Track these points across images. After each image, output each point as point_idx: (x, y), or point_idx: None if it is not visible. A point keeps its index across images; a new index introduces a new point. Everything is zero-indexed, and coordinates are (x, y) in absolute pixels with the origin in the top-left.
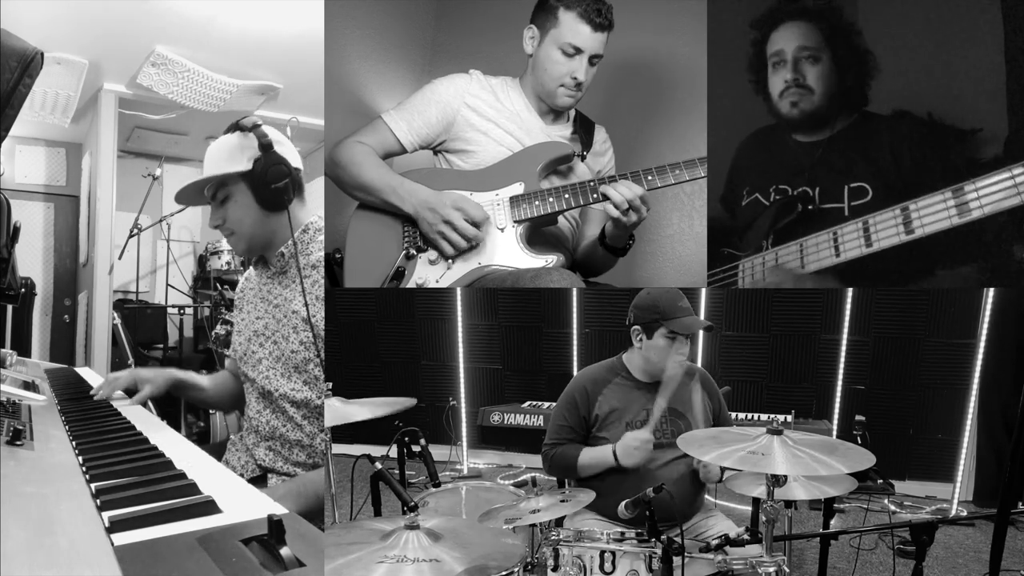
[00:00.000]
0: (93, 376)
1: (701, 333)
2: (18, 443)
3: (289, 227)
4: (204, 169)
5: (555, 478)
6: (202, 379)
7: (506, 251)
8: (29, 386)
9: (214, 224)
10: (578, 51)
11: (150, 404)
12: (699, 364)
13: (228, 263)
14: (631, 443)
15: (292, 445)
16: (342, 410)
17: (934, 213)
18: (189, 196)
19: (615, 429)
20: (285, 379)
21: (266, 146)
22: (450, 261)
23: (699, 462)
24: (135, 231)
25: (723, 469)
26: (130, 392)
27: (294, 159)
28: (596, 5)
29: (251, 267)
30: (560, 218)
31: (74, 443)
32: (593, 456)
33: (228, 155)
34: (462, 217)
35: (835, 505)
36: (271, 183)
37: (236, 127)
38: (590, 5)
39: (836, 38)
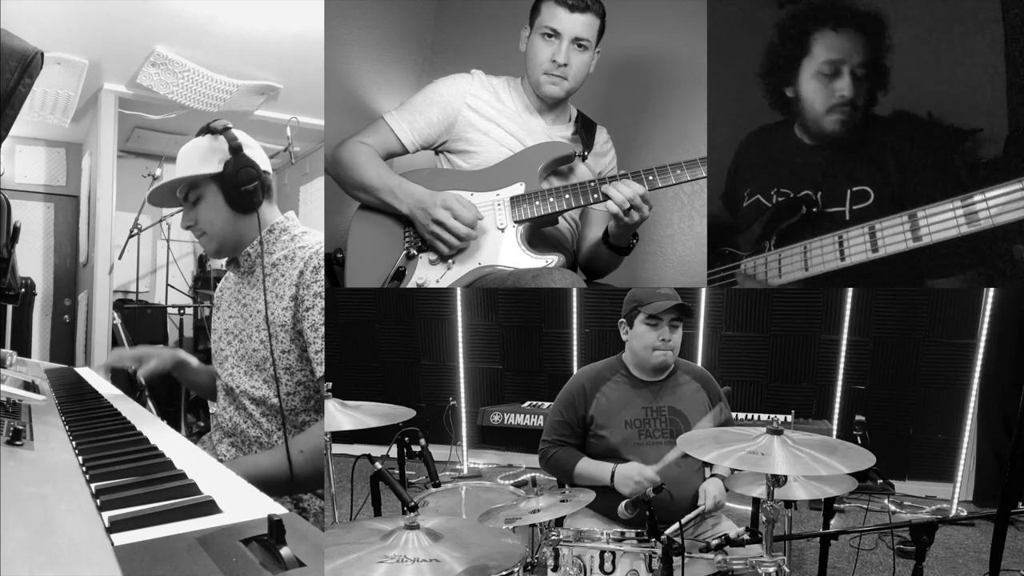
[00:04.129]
0: (93, 376)
1: (701, 332)
2: (18, 443)
3: (258, 228)
4: (176, 170)
5: (554, 477)
6: (201, 365)
7: (507, 251)
8: (29, 386)
9: (186, 225)
10: (556, 33)
11: (150, 404)
12: (699, 364)
13: None
14: (632, 475)
15: (251, 442)
16: (339, 417)
17: (942, 221)
18: (162, 197)
19: (613, 428)
20: (247, 376)
21: (236, 149)
22: (450, 261)
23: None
24: (135, 231)
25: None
26: (133, 379)
27: (263, 162)
28: None
29: (229, 270)
30: (560, 219)
31: (74, 443)
32: (590, 470)
33: (200, 157)
34: (451, 216)
35: (835, 505)
36: (240, 185)
37: (207, 130)
38: None
39: (874, 50)
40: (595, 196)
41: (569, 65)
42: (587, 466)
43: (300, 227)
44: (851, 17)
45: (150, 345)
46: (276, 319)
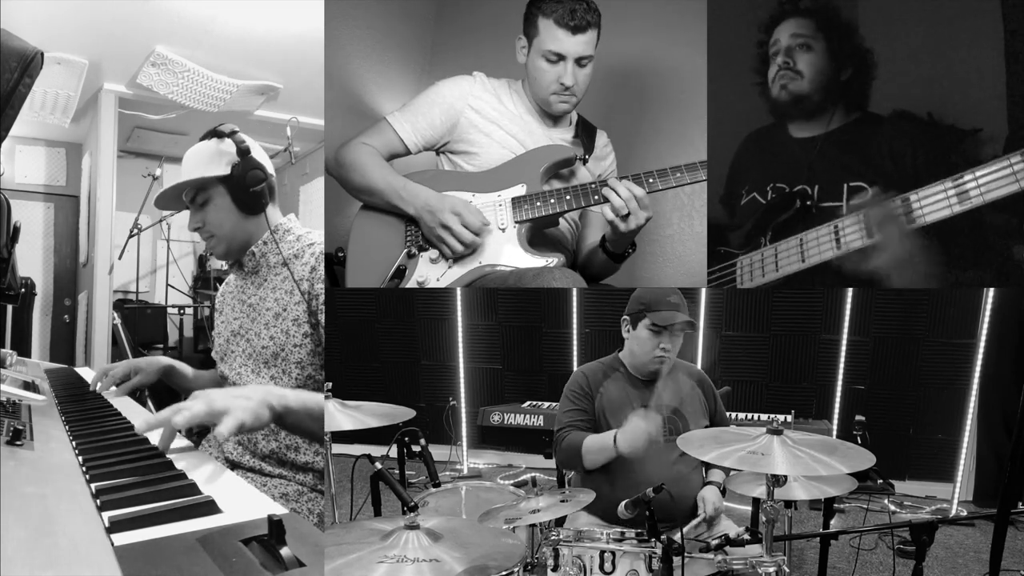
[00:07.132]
0: (93, 376)
1: (701, 332)
2: (18, 443)
3: (267, 229)
4: (182, 173)
5: (555, 477)
6: (190, 369)
7: (508, 251)
8: (29, 386)
9: (193, 227)
10: (560, 57)
11: (150, 404)
12: (699, 364)
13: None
14: (635, 430)
15: (259, 440)
16: (339, 417)
17: (935, 202)
18: (168, 201)
19: (612, 426)
20: (254, 375)
21: (244, 151)
22: (451, 260)
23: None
24: (135, 231)
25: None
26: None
27: (268, 164)
28: (571, 6)
29: (231, 272)
30: (561, 220)
31: (74, 443)
32: (596, 441)
33: (207, 160)
34: (459, 222)
35: (835, 505)
36: (249, 187)
37: (213, 133)
38: (564, 9)
39: (830, 30)
40: (596, 197)
41: (576, 83)
42: (593, 439)
43: (302, 228)
44: (797, 9)
45: (142, 355)
46: (289, 314)
